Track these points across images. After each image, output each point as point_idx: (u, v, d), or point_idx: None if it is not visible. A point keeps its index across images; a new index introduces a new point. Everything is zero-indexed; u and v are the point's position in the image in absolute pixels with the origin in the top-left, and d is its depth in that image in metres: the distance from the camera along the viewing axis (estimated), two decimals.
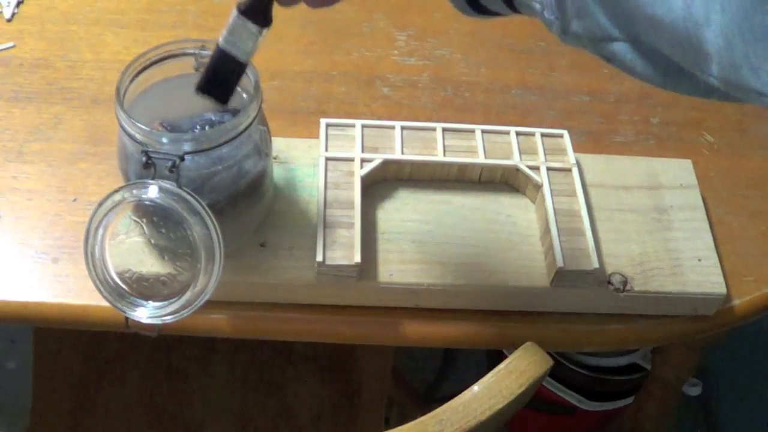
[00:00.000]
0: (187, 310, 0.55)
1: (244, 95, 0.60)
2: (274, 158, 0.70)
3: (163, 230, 0.57)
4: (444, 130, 0.72)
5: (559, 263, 0.63)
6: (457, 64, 0.88)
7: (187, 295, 0.55)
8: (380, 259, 0.65)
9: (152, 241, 0.59)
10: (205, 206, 0.54)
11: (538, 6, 0.42)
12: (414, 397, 1.34)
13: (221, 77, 0.58)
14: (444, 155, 0.70)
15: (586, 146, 0.80)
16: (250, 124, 0.57)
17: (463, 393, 0.58)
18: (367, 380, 0.98)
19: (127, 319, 0.58)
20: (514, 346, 0.63)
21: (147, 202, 0.54)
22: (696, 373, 1.04)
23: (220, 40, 0.57)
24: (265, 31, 0.56)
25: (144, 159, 0.54)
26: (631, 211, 0.70)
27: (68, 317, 0.64)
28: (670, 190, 0.72)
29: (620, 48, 0.40)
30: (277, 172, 0.69)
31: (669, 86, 0.40)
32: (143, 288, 0.57)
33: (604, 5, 0.38)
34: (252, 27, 0.56)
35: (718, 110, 0.87)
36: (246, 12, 0.55)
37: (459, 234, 0.67)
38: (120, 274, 0.56)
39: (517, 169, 0.70)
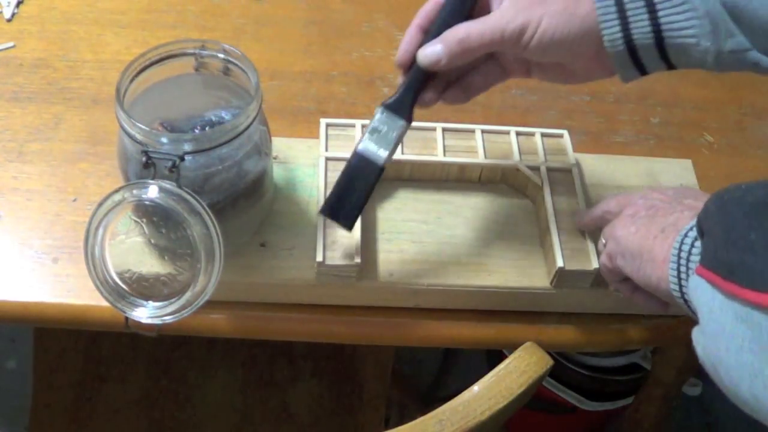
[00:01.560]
0: (187, 310, 0.55)
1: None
2: (274, 158, 0.69)
3: (163, 230, 0.57)
4: (444, 130, 0.72)
5: (559, 263, 0.63)
6: None
7: (187, 295, 0.55)
8: (380, 259, 0.65)
9: (152, 241, 0.59)
10: (205, 206, 0.54)
11: (693, 40, 0.52)
12: (414, 397, 1.34)
13: (354, 187, 0.58)
14: (444, 155, 0.70)
15: (586, 146, 0.80)
16: (250, 124, 0.57)
17: (463, 393, 0.58)
18: (367, 380, 0.98)
19: (127, 319, 0.58)
20: (514, 346, 0.63)
21: (147, 202, 0.54)
22: (696, 373, 1.04)
23: (360, 146, 0.58)
24: (406, 129, 0.58)
25: (144, 159, 0.54)
26: None
27: (68, 317, 0.64)
28: None
29: (754, 54, 0.51)
30: (277, 172, 0.69)
31: None
32: (143, 288, 0.57)
33: (739, 24, 0.51)
34: (398, 122, 0.57)
35: (718, 110, 0.87)
36: (392, 107, 0.57)
37: (459, 234, 0.67)
38: (120, 274, 0.56)
39: (517, 170, 0.70)
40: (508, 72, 0.61)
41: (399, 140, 0.59)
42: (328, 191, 0.66)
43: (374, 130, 0.58)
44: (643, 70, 0.55)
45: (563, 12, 0.54)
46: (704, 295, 0.44)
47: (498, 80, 0.61)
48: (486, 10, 0.57)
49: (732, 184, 0.46)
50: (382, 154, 0.58)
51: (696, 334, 0.45)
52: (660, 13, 0.52)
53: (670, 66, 0.55)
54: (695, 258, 0.47)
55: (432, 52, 0.56)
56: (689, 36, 0.52)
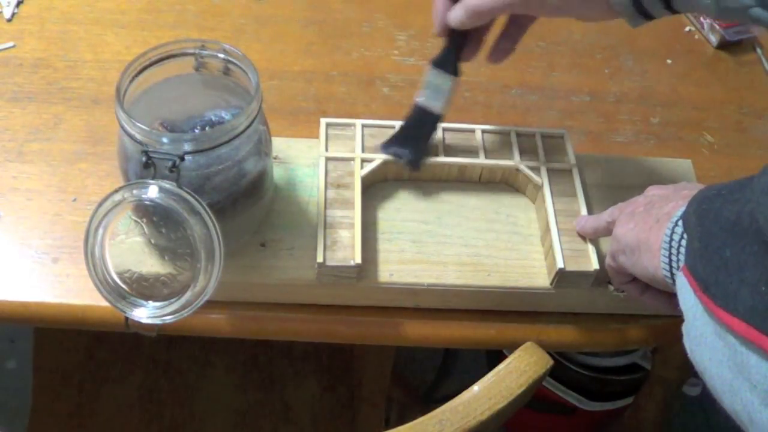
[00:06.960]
0: (187, 310, 0.56)
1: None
2: (274, 158, 0.69)
3: (163, 230, 0.57)
4: (444, 129, 0.72)
5: (560, 264, 0.63)
6: None
7: (187, 295, 0.55)
8: (380, 259, 0.65)
9: (152, 241, 0.59)
10: (205, 206, 0.54)
11: None
12: (414, 397, 1.34)
13: (417, 133, 0.69)
14: (444, 155, 0.70)
15: (586, 146, 0.80)
16: (250, 124, 0.57)
17: (463, 393, 0.58)
18: (367, 380, 0.98)
19: (127, 319, 0.58)
20: (514, 346, 0.63)
21: (147, 202, 0.54)
22: (696, 372, 1.03)
23: (419, 99, 0.68)
24: (456, 82, 0.67)
25: (144, 159, 0.54)
26: None
27: (68, 317, 0.64)
28: None
29: (756, 11, 0.52)
30: (277, 172, 0.69)
31: None
32: (143, 288, 0.57)
33: None
34: (445, 77, 0.67)
35: (718, 110, 0.87)
36: (439, 64, 0.67)
37: (459, 234, 0.67)
38: (120, 274, 0.56)
39: (517, 170, 0.70)
40: (531, 17, 0.67)
41: (452, 92, 0.67)
42: (328, 191, 0.66)
43: (428, 85, 0.67)
44: (649, 17, 0.60)
45: None
46: (688, 300, 0.44)
47: (528, 23, 0.67)
48: None
49: (712, 188, 0.46)
50: (439, 104, 0.67)
51: (685, 335, 0.45)
52: None
53: (675, 11, 0.59)
54: (684, 249, 0.47)
55: (455, 15, 0.64)
56: None
